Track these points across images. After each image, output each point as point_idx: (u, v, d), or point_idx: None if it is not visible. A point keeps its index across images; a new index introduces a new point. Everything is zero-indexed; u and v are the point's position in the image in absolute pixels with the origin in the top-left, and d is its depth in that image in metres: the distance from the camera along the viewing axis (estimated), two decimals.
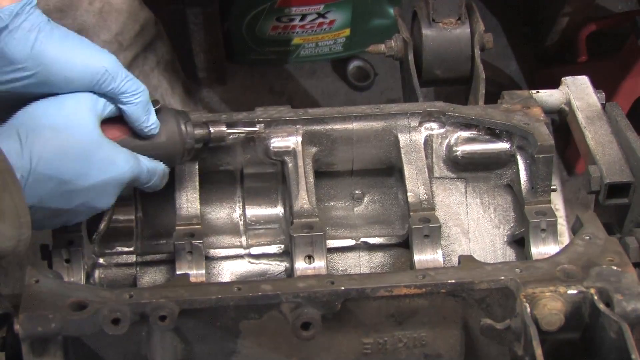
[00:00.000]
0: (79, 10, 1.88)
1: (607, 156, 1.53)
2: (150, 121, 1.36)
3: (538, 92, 1.65)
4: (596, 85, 1.67)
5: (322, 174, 1.57)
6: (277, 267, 1.49)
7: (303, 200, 1.47)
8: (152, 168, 1.38)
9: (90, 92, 1.32)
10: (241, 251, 1.50)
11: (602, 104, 1.64)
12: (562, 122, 1.69)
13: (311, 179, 1.50)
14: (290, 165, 1.51)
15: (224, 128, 1.44)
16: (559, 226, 1.48)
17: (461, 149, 1.55)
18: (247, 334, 1.31)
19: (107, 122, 1.35)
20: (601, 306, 1.23)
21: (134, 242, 1.50)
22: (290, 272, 1.46)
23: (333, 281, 1.28)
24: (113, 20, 1.94)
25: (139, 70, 2.06)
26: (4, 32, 1.25)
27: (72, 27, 1.85)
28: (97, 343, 1.28)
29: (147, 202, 1.54)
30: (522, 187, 1.51)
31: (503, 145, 1.54)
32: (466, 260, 1.35)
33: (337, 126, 1.55)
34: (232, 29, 2.94)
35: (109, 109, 1.34)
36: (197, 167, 1.50)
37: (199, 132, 1.42)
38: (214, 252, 1.49)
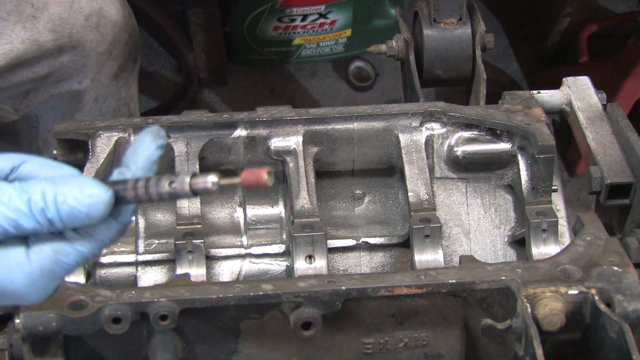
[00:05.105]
0: (75, 28, 1.88)
1: (608, 157, 1.53)
2: None
3: (539, 92, 1.65)
4: (597, 85, 1.67)
5: (323, 173, 1.57)
6: (278, 266, 1.49)
7: (304, 200, 1.47)
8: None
9: None
10: (242, 251, 1.51)
11: (603, 104, 1.64)
12: (563, 122, 1.69)
13: (312, 179, 1.50)
14: (291, 165, 1.51)
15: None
16: (559, 227, 1.48)
17: (462, 149, 1.55)
18: (247, 334, 1.31)
19: None
20: (602, 306, 1.23)
21: (135, 241, 1.50)
22: (290, 272, 1.46)
23: (334, 281, 1.28)
24: (109, 32, 1.94)
25: (124, 80, 2.06)
26: None
27: (69, 44, 1.87)
28: (98, 342, 1.28)
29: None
30: (523, 187, 1.51)
31: (504, 146, 1.54)
32: (467, 261, 1.35)
33: (338, 126, 1.55)
34: (233, 29, 2.94)
35: None
36: (197, 166, 1.50)
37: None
38: (215, 251, 1.49)
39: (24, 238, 0.97)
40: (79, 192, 0.95)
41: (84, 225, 0.96)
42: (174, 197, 0.98)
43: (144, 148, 0.99)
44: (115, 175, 0.99)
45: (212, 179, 0.96)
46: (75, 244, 0.97)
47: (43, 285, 0.97)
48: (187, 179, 0.96)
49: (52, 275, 0.97)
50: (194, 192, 0.97)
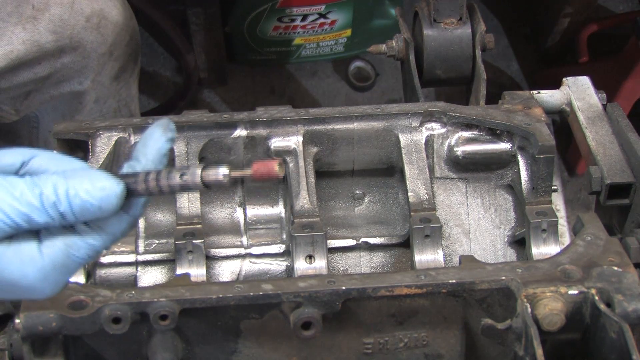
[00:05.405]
0: (76, 29, 1.88)
1: (608, 157, 1.53)
2: None
3: (539, 92, 1.65)
4: (597, 85, 1.67)
5: (323, 173, 1.57)
6: (278, 266, 1.49)
7: (304, 200, 1.47)
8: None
9: None
10: (242, 251, 1.51)
11: (603, 104, 1.64)
12: (563, 122, 1.69)
13: (312, 179, 1.50)
14: (291, 165, 1.51)
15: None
16: (559, 227, 1.48)
17: (462, 149, 1.55)
18: (247, 334, 1.31)
19: None
20: (602, 306, 1.23)
21: (135, 241, 1.50)
22: (290, 272, 1.46)
23: (334, 281, 1.28)
24: (109, 33, 1.95)
25: (125, 81, 2.07)
26: None
27: (69, 45, 1.87)
28: (98, 342, 1.28)
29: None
30: (523, 187, 1.51)
31: (504, 146, 1.54)
32: (467, 260, 1.35)
33: (338, 126, 1.55)
34: (233, 29, 2.94)
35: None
36: None
37: None
38: (215, 251, 1.49)
39: (36, 232, 0.97)
40: (91, 185, 0.95)
41: (95, 218, 0.97)
42: (185, 189, 0.98)
43: (154, 141, 1.00)
44: (126, 168, 0.99)
45: (223, 170, 0.96)
46: (86, 238, 0.98)
47: (55, 279, 0.98)
48: (198, 171, 0.96)
49: (64, 269, 0.98)
50: (205, 184, 0.97)
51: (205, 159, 1.53)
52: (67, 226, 0.97)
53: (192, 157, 1.51)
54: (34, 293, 0.99)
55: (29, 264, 0.96)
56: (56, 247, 0.97)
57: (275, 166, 0.96)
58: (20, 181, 0.96)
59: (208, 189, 0.98)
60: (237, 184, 1.56)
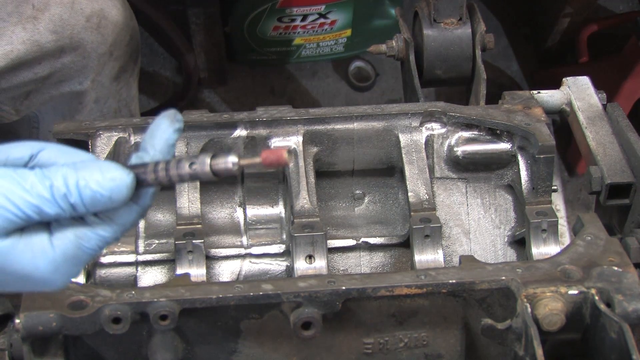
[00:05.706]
0: (76, 29, 1.88)
1: (608, 157, 1.53)
2: None
3: (539, 92, 1.65)
4: (597, 85, 1.67)
5: (323, 173, 1.57)
6: (278, 266, 1.49)
7: (304, 200, 1.47)
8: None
9: None
10: (242, 251, 1.51)
11: (603, 104, 1.64)
12: (563, 122, 1.69)
13: (312, 179, 1.50)
14: (291, 165, 1.51)
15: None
16: (559, 227, 1.48)
17: (462, 149, 1.55)
18: (247, 334, 1.31)
19: None
20: (602, 306, 1.23)
21: (135, 241, 1.50)
22: (290, 272, 1.46)
23: (334, 281, 1.28)
24: (110, 33, 1.95)
25: (125, 81, 2.07)
26: None
27: (69, 45, 1.87)
28: (98, 342, 1.28)
29: None
30: (523, 187, 1.51)
31: (504, 146, 1.54)
32: (467, 261, 1.35)
33: (338, 126, 1.55)
34: (233, 29, 2.94)
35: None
36: None
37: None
38: (215, 251, 1.49)
39: (46, 224, 0.98)
40: (101, 176, 0.95)
41: (106, 209, 0.97)
42: (194, 178, 0.98)
43: (162, 132, 1.00)
44: (134, 159, 0.99)
45: (232, 159, 0.96)
46: (96, 229, 0.98)
47: (66, 270, 0.99)
48: (208, 160, 0.97)
49: (75, 261, 0.99)
50: (215, 173, 0.97)
51: None
52: (77, 218, 0.98)
53: None
54: (45, 285, 0.99)
55: (40, 256, 0.97)
56: (67, 239, 0.98)
57: (284, 153, 0.96)
58: (30, 173, 0.96)
59: (218, 178, 0.98)
60: (238, 183, 1.56)
